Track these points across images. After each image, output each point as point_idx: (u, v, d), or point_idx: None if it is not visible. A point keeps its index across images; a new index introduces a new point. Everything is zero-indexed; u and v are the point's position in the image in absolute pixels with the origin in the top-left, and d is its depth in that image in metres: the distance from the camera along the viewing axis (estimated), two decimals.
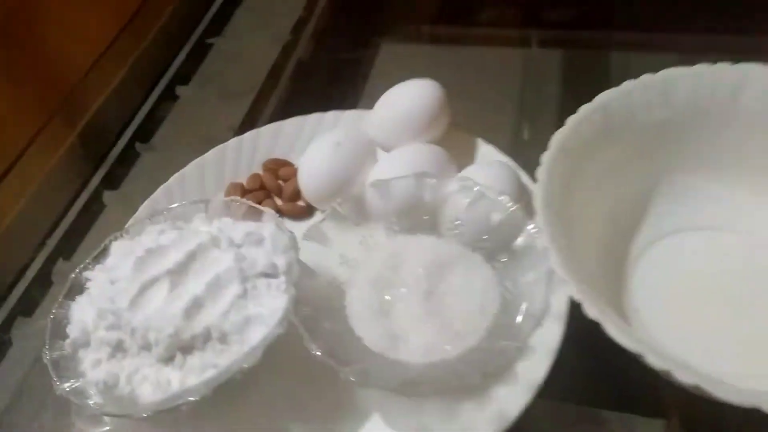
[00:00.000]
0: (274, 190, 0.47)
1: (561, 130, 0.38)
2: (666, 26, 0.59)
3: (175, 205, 0.39)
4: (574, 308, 0.36)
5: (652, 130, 0.40)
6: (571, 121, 0.38)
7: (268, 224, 0.37)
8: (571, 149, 0.37)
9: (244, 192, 0.47)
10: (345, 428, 0.35)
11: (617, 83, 0.39)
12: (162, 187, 0.46)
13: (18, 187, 0.49)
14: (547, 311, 0.33)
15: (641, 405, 0.37)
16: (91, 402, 0.31)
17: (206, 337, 0.32)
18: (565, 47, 0.60)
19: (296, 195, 0.47)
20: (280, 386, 0.37)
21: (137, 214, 0.44)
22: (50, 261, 0.48)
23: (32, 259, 0.48)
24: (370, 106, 0.47)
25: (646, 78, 0.39)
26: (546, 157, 0.36)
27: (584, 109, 0.38)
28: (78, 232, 0.50)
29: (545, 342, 0.35)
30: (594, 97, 0.39)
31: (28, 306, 0.46)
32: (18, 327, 0.45)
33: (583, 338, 0.36)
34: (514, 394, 0.34)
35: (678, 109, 0.40)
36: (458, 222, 0.39)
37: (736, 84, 0.39)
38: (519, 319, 0.34)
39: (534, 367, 0.35)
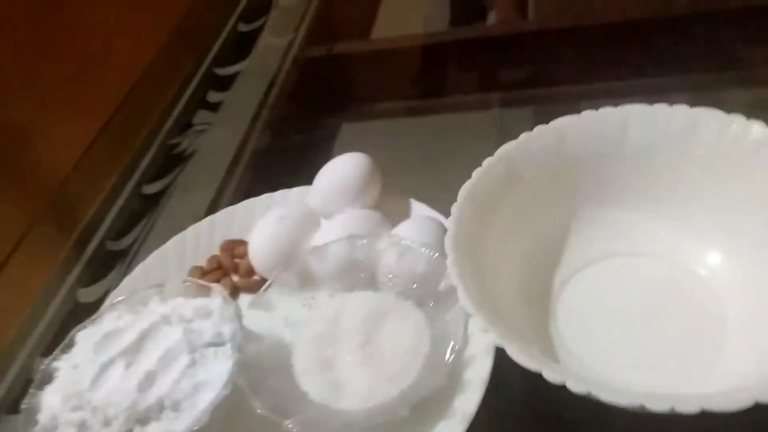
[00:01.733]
0: (230, 268, 0.51)
1: (468, 181, 0.42)
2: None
3: (133, 293, 0.43)
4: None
5: (553, 174, 0.44)
6: (477, 173, 0.42)
7: (216, 298, 0.41)
8: (478, 197, 0.42)
9: (204, 273, 0.51)
10: None
11: None
12: (127, 278, 0.50)
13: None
14: (465, 344, 0.36)
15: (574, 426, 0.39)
16: None
17: (160, 407, 0.35)
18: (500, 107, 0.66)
19: (251, 270, 0.51)
20: None
21: (102, 307, 0.48)
22: (30, 359, 0.52)
23: (13, 359, 0.52)
24: None
25: (540, 128, 0.44)
26: (455, 207, 0.41)
27: (487, 162, 0.43)
28: (54, 330, 0.53)
29: (476, 374, 0.38)
30: None
31: (10, 404, 0.49)
32: (4, 424, 0.48)
33: (514, 369, 0.40)
34: (449, 426, 0.37)
35: (573, 152, 0.44)
36: (391, 275, 0.43)
37: (620, 124, 0.43)
38: (447, 354, 0.37)
39: (467, 398, 0.38)
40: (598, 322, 0.42)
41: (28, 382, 0.49)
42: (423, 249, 0.42)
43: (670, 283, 0.43)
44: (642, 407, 0.29)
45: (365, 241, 0.44)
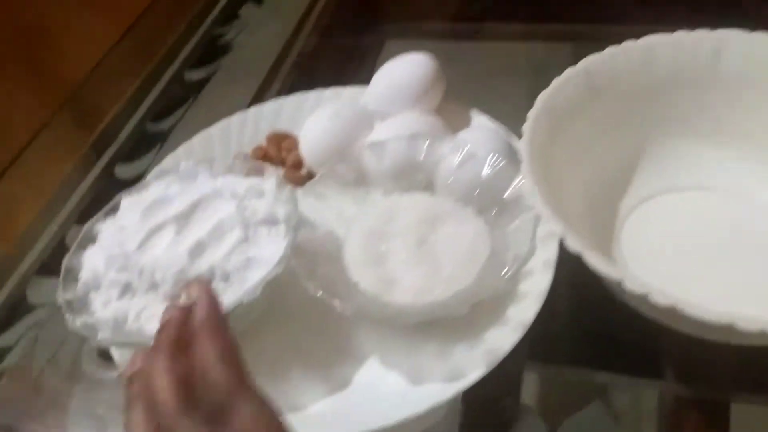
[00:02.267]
0: (277, 160, 0.50)
1: (546, 90, 0.40)
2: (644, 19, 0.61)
3: (181, 164, 0.41)
4: (563, 260, 0.38)
5: (635, 95, 0.42)
6: (556, 82, 0.40)
7: (270, 180, 0.39)
8: (556, 108, 0.39)
9: None
10: (343, 371, 0.37)
11: None
12: (170, 155, 0.49)
13: (38, 162, 0.52)
14: (532, 252, 0.34)
15: (624, 349, 0.38)
16: (100, 336, 0.33)
17: (210, 276, 0.34)
18: (564, 40, 0.62)
19: (299, 164, 0.49)
20: (281, 334, 0.38)
21: (147, 178, 0.46)
22: (64, 227, 0.50)
23: (48, 226, 0.51)
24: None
25: (628, 44, 0.41)
26: (531, 114, 0.38)
27: (568, 72, 0.40)
28: (91, 201, 0.52)
29: (535, 288, 0.37)
30: None
31: (43, 267, 0.48)
32: (33, 286, 0.47)
33: (571, 288, 0.38)
34: (504, 334, 0.36)
35: (659, 74, 0.42)
36: (451, 180, 0.41)
37: (716, 49, 0.40)
38: (507, 264, 0.36)
39: (523, 310, 0.36)
40: (662, 255, 0.40)
41: (63, 248, 0.49)
42: (489, 155, 0.40)
43: (742, 221, 0.41)
44: (731, 325, 0.27)
45: (427, 142, 0.42)
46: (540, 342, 0.37)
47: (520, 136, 0.45)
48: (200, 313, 0.23)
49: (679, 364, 0.38)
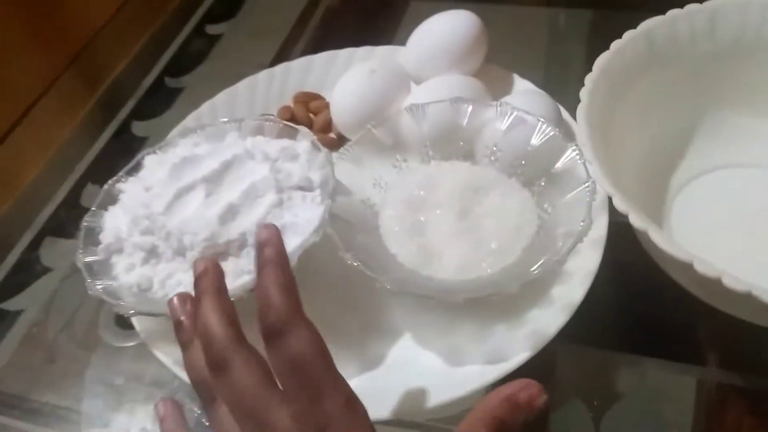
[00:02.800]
0: (305, 122, 0.47)
1: (605, 53, 0.37)
2: None
3: (208, 123, 0.39)
4: (612, 236, 0.35)
5: (697, 61, 0.39)
6: (615, 45, 0.37)
7: (303, 142, 0.37)
8: (614, 73, 0.36)
9: None
10: (377, 345, 0.35)
11: None
12: (192, 114, 0.46)
13: (48, 119, 0.49)
14: (588, 228, 0.32)
15: (675, 334, 0.36)
16: (123, 302, 0.31)
17: (242, 243, 0.32)
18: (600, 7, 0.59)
19: (327, 127, 0.46)
20: (313, 304, 0.36)
21: (168, 137, 0.44)
22: (79, 186, 0.48)
23: (61, 184, 0.48)
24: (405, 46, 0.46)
25: (692, 7, 0.38)
26: (589, 78, 0.35)
27: (628, 35, 0.38)
28: (108, 159, 0.49)
29: (583, 266, 0.35)
30: None
31: (57, 226, 0.46)
32: (47, 246, 0.45)
33: (621, 266, 0.36)
34: (550, 316, 0.33)
35: (725, 41, 0.39)
36: (495, 148, 0.38)
37: None
38: (558, 238, 0.33)
39: (571, 289, 0.34)
40: (715, 232, 0.38)
41: (78, 207, 0.47)
42: (538, 122, 0.37)
43: None
44: None
45: (471, 106, 0.39)
46: (584, 323, 0.34)
47: (564, 103, 0.43)
48: (269, 250, 0.24)
49: (728, 349, 0.36)
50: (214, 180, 0.33)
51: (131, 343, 0.38)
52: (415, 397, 0.32)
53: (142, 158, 0.38)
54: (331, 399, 0.22)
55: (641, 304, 0.37)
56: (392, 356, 0.35)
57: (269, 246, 0.24)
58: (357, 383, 0.33)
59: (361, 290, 0.35)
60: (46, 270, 0.43)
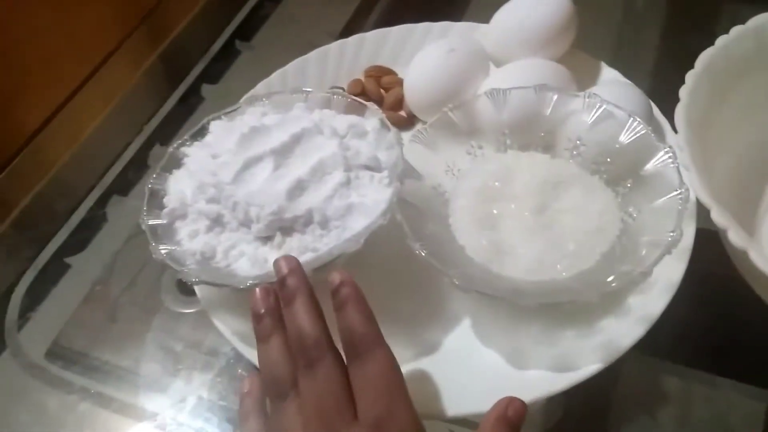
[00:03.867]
0: (375, 97, 0.45)
1: (709, 49, 0.34)
2: None
3: (276, 92, 0.38)
4: (698, 246, 0.33)
5: None
6: (721, 41, 0.34)
7: (372, 119, 0.35)
8: (718, 71, 0.34)
9: None
10: (436, 335, 0.33)
11: None
12: (263, 82, 0.45)
13: (118, 77, 0.49)
14: (678, 240, 0.29)
15: (754, 353, 0.34)
16: (187, 269, 0.30)
17: (308, 220, 0.31)
18: None
19: (398, 104, 0.44)
20: (376, 285, 0.35)
21: (239, 103, 0.43)
22: (147, 146, 0.48)
23: (129, 143, 0.48)
24: (480, 22, 0.44)
25: None
26: (690, 76, 0.33)
27: (736, 31, 0.34)
28: (175, 120, 0.49)
29: (666, 277, 0.32)
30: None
31: (124, 186, 0.46)
32: (113, 204, 0.45)
33: (705, 278, 0.34)
34: (626, 326, 0.31)
35: None
36: (579, 142, 0.36)
37: None
38: (642, 247, 0.31)
39: (651, 300, 0.32)
40: None
41: (145, 167, 0.47)
42: (629, 118, 0.34)
43: None
44: None
45: (556, 95, 0.36)
46: (660, 335, 0.32)
47: (655, 98, 0.40)
48: (346, 289, 0.26)
49: None
50: (283, 153, 0.32)
51: (192, 310, 0.38)
52: (472, 399, 0.31)
53: (208, 123, 0.37)
54: (398, 420, 0.24)
55: (723, 320, 0.35)
56: (451, 347, 0.33)
57: (346, 286, 0.26)
58: (411, 369, 0.32)
59: (425, 278, 0.34)
60: (111, 229, 0.43)
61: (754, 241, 0.35)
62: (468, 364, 0.32)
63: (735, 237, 0.27)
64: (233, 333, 0.32)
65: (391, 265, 0.34)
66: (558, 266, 0.32)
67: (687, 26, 0.50)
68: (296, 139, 0.33)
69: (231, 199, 0.31)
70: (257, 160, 0.32)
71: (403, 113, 0.45)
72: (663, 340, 0.32)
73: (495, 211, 0.34)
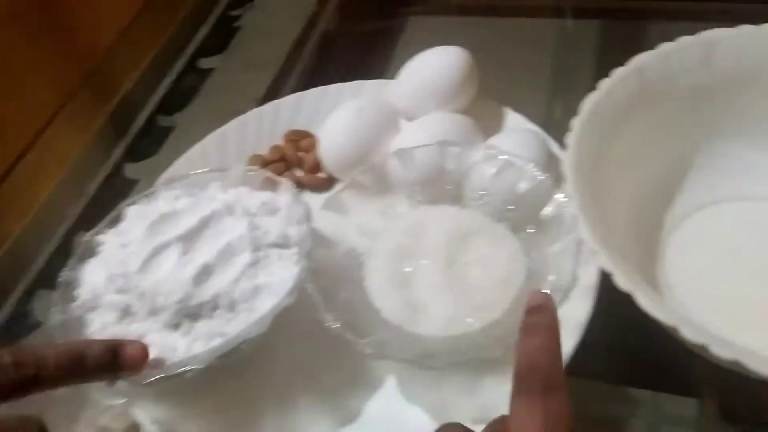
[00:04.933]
0: (294, 161, 0.46)
1: (593, 93, 0.36)
2: None
3: (192, 172, 0.38)
4: (604, 281, 0.34)
5: (691, 95, 0.37)
6: (605, 84, 0.36)
7: (284, 195, 0.36)
8: (604, 114, 0.35)
9: (265, 163, 0.46)
10: (359, 402, 0.34)
11: None
12: (182, 158, 0.45)
13: (40, 160, 0.49)
14: (574, 283, 0.31)
15: (672, 383, 0.35)
16: None
17: (214, 305, 0.31)
18: (598, 17, 0.58)
19: (317, 166, 0.45)
20: (291, 358, 0.36)
21: (155, 184, 0.43)
22: (71, 233, 0.48)
23: (54, 232, 0.48)
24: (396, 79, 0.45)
25: (685, 39, 0.37)
26: (576, 122, 0.34)
27: (619, 72, 0.36)
28: (100, 205, 0.49)
29: (573, 317, 0.33)
30: None
31: (49, 277, 0.45)
32: (39, 299, 0.45)
33: (614, 314, 0.35)
34: None
35: (719, 72, 0.37)
36: (483, 192, 0.37)
37: None
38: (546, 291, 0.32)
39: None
40: (711, 273, 0.37)
41: (69, 257, 0.46)
42: (527, 166, 0.36)
43: None
44: None
45: (458, 149, 0.38)
46: (581, 380, 0.33)
47: (556, 133, 0.41)
48: (543, 317, 0.24)
49: (725, 403, 0.35)
50: (190, 238, 0.33)
51: (120, 401, 0.37)
52: None
53: (124, 209, 0.37)
54: None
55: (635, 357, 0.36)
56: (376, 412, 0.34)
57: (546, 312, 0.24)
58: None
59: (344, 346, 0.34)
60: (38, 325, 0.43)
61: (659, 267, 0.37)
62: (395, 423, 0.33)
63: (622, 281, 0.28)
64: (153, 422, 0.32)
65: (309, 336, 0.34)
66: (469, 320, 0.33)
67: (587, 64, 0.53)
68: (205, 223, 0.33)
69: (138, 288, 0.32)
70: (164, 247, 0.33)
71: (323, 174, 0.46)
72: (579, 381, 0.34)
73: (408, 269, 0.35)
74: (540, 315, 0.24)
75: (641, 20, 0.57)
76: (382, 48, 0.59)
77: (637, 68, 0.36)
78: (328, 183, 0.45)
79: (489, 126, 0.43)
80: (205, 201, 0.35)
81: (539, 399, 0.22)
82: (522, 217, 0.36)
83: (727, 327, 0.32)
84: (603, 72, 0.36)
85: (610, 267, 0.28)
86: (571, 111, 0.35)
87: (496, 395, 0.32)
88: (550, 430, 0.21)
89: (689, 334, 0.26)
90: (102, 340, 0.29)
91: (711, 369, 0.28)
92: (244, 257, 0.32)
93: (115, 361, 0.28)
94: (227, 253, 0.32)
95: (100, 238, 0.36)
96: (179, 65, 0.60)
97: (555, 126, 0.42)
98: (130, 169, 0.52)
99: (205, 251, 0.32)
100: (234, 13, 0.65)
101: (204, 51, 0.62)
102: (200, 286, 0.31)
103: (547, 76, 0.53)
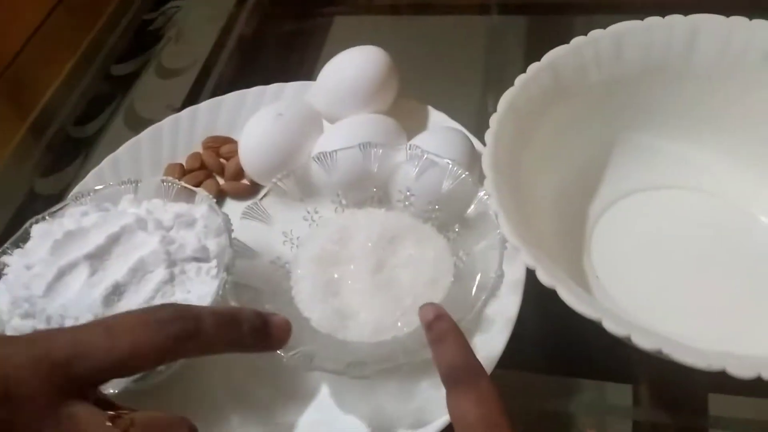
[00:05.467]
0: (215, 168, 0.45)
1: (509, 90, 0.36)
2: None
3: (102, 186, 0.36)
4: (532, 276, 0.34)
5: (605, 87, 0.38)
6: (520, 80, 0.36)
7: (201, 206, 0.34)
8: (521, 109, 0.35)
9: (184, 172, 0.44)
10: (292, 414, 0.33)
11: None
12: (93, 171, 0.43)
13: None
14: (500, 281, 0.31)
15: (606, 371, 0.35)
16: None
17: None
18: (521, 13, 0.58)
19: (240, 173, 0.44)
20: (220, 375, 0.34)
21: (66, 199, 0.41)
22: None
23: None
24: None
25: (595, 33, 0.37)
26: (494, 119, 0.34)
27: (533, 68, 0.36)
28: (8, 223, 0.46)
29: (503, 313, 0.34)
30: None
31: None
32: None
33: (543, 306, 0.35)
34: None
35: (630, 64, 0.38)
36: (408, 192, 0.37)
37: (690, 36, 0.37)
38: (473, 290, 0.32)
39: (492, 339, 0.33)
40: (636, 262, 0.38)
41: None
42: (449, 165, 0.36)
43: (723, 224, 0.38)
44: (723, 371, 0.24)
45: (380, 150, 0.37)
46: (509, 370, 0.33)
47: (478, 130, 0.42)
48: (441, 324, 0.26)
49: (657, 388, 0.36)
50: (99, 256, 0.31)
51: None
52: None
53: (30, 227, 0.35)
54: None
55: (567, 348, 0.36)
56: (311, 424, 0.33)
57: (442, 320, 0.26)
58: None
59: (274, 358, 0.33)
60: None
61: (585, 257, 0.38)
62: None
63: (543, 276, 0.28)
64: None
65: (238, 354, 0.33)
66: (398, 324, 0.32)
67: (514, 59, 0.53)
68: (114, 240, 0.31)
69: (44, 313, 0.29)
70: (71, 267, 0.31)
71: (245, 181, 0.44)
72: (515, 373, 0.34)
73: (336, 276, 0.34)
74: (438, 323, 0.26)
75: (567, 14, 0.58)
76: (306, 49, 0.58)
77: (550, 63, 0.37)
78: (251, 190, 0.44)
79: (412, 126, 0.43)
80: (115, 216, 0.33)
81: (468, 386, 0.24)
82: (448, 216, 0.36)
83: (654, 315, 0.34)
84: (527, 67, 0.37)
85: (531, 263, 0.28)
86: (493, 106, 0.35)
87: (432, 399, 0.32)
88: (486, 406, 0.23)
89: (611, 326, 0.26)
90: (250, 308, 0.27)
91: (641, 355, 0.29)
92: (158, 274, 0.31)
93: (267, 330, 0.26)
94: (140, 271, 0.31)
95: (5, 259, 0.34)
96: (91, 72, 0.57)
97: (480, 123, 0.42)
98: (40, 184, 0.49)
99: (115, 270, 0.31)
100: (148, 17, 0.63)
101: (117, 57, 0.59)
102: (111, 307, 0.30)
103: (472, 74, 0.53)
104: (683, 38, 0.37)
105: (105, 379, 0.22)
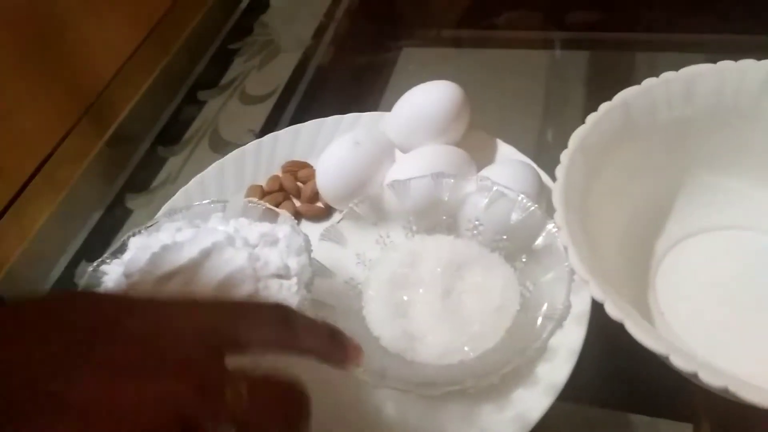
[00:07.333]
0: (293, 191, 0.47)
1: (581, 127, 0.37)
2: (690, 27, 0.58)
3: (194, 204, 0.39)
4: (597, 309, 0.35)
5: (675, 128, 0.39)
6: (591, 118, 0.37)
7: (284, 226, 0.37)
8: (591, 147, 0.36)
9: (264, 194, 0.47)
10: (357, 430, 0.34)
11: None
12: (182, 189, 0.46)
13: (43, 193, 0.50)
14: (567, 312, 0.32)
15: (667, 408, 0.36)
16: None
17: None
18: (587, 48, 0.60)
19: (315, 196, 0.46)
20: None
21: (157, 215, 0.44)
22: (73, 264, 0.49)
23: (56, 263, 0.49)
24: (390, 109, 0.47)
25: (668, 75, 0.38)
26: (565, 155, 0.36)
27: (604, 107, 0.38)
28: (101, 235, 0.50)
29: (567, 344, 0.34)
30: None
31: None
32: None
33: (607, 340, 0.36)
34: (535, 397, 0.33)
35: (701, 106, 0.39)
36: (477, 222, 0.39)
37: (762, 80, 0.37)
38: (539, 319, 0.33)
39: (555, 369, 0.34)
40: (700, 300, 0.38)
41: (73, 286, 0.47)
42: (519, 197, 0.37)
43: None
44: None
45: (452, 180, 0.39)
46: (575, 405, 0.34)
47: (538, 161, 0.43)
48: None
49: (717, 428, 0.35)
50: (192, 269, 0.34)
51: None
52: None
53: (127, 239, 0.38)
54: None
55: (629, 383, 0.37)
56: None
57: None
58: None
59: (343, 373, 0.35)
60: None
61: (650, 294, 0.38)
62: None
63: (612, 309, 0.29)
64: None
65: (309, 364, 0.35)
66: (465, 348, 0.34)
67: (576, 94, 0.54)
68: (206, 255, 0.34)
69: None
70: (168, 277, 0.33)
71: (320, 204, 0.47)
72: (573, 406, 0.34)
73: (405, 298, 0.36)
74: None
75: (628, 51, 0.59)
76: (376, 80, 0.61)
77: (621, 102, 0.38)
78: (326, 213, 0.46)
79: (481, 157, 0.44)
80: (207, 233, 0.36)
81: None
82: (515, 246, 0.37)
83: (718, 353, 0.34)
84: (592, 102, 0.38)
85: (600, 296, 0.29)
86: (561, 141, 0.36)
87: (493, 423, 0.33)
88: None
89: (679, 361, 0.27)
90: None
91: (704, 394, 0.29)
92: (245, 288, 0.33)
93: (344, 344, 0.27)
94: (228, 284, 0.33)
95: (105, 268, 0.37)
96: (179, 97, 0.62)
97: (546, 156, 0.43)
98: (131, 200, 0.53)
99: (207, 282, 0.33)
100: (232, 46, 0.67)
101: (202, 83, 0.63)
102: None
103: (538, 107, 0.55)
104: (756, 84, 0.37)
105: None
